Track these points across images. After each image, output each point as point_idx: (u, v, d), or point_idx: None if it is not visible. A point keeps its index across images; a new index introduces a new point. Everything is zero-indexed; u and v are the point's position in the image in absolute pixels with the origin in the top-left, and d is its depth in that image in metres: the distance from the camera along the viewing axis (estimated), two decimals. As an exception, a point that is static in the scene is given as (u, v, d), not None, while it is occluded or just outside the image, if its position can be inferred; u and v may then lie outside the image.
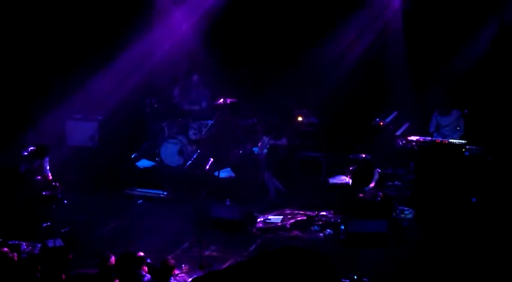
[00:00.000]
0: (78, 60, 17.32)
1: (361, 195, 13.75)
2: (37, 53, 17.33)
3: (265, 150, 15.40)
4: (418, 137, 14.32)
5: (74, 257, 11.36)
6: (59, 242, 12.33)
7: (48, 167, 14.06)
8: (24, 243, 11.79)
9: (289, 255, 5.67)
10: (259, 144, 15.53)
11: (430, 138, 14.40)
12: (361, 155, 14.15)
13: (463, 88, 15.42)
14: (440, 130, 14.81)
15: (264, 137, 15.48)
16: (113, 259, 9.81)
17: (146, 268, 9.89)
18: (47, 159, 14.02)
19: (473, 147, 14.10)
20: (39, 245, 11.93)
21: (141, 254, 10.01)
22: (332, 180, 14.79)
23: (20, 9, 17.18)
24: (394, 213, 13.53)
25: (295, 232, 13.73)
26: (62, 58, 17.39)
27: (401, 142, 14.40)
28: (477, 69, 15.52)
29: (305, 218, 14.36)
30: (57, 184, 13.59)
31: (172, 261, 10.16)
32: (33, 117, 17.01)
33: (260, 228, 13.85)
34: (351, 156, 14.16)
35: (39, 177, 13.85)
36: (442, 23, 15.60)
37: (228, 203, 14.57)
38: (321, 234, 13.51)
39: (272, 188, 15.19)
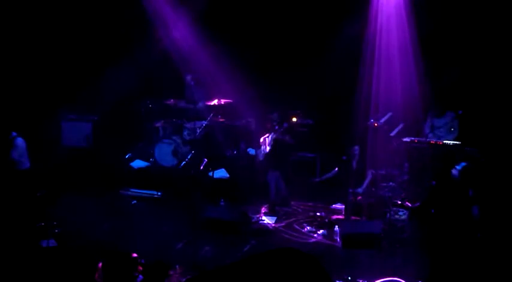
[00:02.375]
0: (73, 61, 17.33)
1: (351, 198, 13.74)
2: (33, 54, 17.32)
3: (269, 148, 15.09)
4: (412, 138, 14.33)
5: (67, 257, 11.36)
6: (52, 243, 12.35)
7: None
8: None
9: (282, 257, 5.66)
10: (265, 141, 15.23)
11: (424, 139, 14.42)
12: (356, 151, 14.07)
13: (457, 89, 15.42)
14: (435, 131, 14.83)
15: (268, 135, 15.17)
16: (100, 265, 9.79)
17: (141, 268, 9.87)
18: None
19: (468, 149, 14.12)
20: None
21: (135, 254, 9.99)
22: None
23: (18, 11, 17.16)
24: (388, 214, 13.54)
25: (289, 233, 13.73)
26: (57, 59, 17.39)
27: (396, 143, 14.41)
28: (471, 70, 15.53)
29: (299, 218, 14.39)
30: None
31: (166, 262, 10.14)
32: (29, 117, 16.99)
33: (254, 229, 13.85)
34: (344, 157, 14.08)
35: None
36: (438, 24, 15.60)
37: (222, 203, 14.59)
38: (315, 235, 13.52)
39: (273, 188, 15.05)
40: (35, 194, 13.44)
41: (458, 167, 12.75)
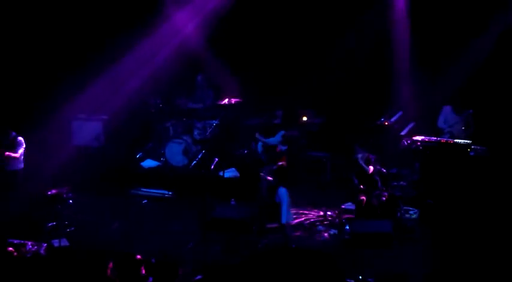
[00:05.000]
0: (83, 60, 17.35)
1: (362, 197, 13.70)
2: (43, 53, 17.35)
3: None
4: (423, 137, 14.30)
5: (78, 256, 11.38)
6: (64, 242, 12.38)
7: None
8: (29, 243, 11.77)
9: (293, 255, 5.67)
10: (261, 146, 15.29)
11: (435, 138, 14.37)
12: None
13: (468, 88, 15.37)
14: (449, 128, 14.75)
15: (261, 139, 15.19)
16: (110, 264, 9.77)
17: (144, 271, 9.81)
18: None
19: (479, 147, 14.07)
20: (45, 245, 11.93)
21: (139, 256, 9.92)
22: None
23: (26, 10, 17.19)
24: (398, 214, 13.50)
25: (300, 232, 13.72)
26: (67, 58, 17.42)
27: (406, 142, 14.37)
28: (482, 69, 15.48)
29: (310, 217, 14.37)
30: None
31: (176, 262, 10.12)
32: (39, 117, 17.04)
33: (266, 228, 13.82)
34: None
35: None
36: (448, 23, 15.56)
37: (232, 203, 14.57)
38: (325, 234, 13.50)
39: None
40: (45, 193, 13.45)
41: (274, 167, 12.85)
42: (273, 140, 15.00)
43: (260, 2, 16.91)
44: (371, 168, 13.96)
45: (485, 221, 13.14)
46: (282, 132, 14.95)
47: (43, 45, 17.38)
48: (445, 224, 13.30)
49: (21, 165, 13.79)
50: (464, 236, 12.75)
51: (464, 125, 14.70)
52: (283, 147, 14.91)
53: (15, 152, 13.58)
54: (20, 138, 13.75)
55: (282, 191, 12.81)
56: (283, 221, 12.87)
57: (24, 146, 13.77)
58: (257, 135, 15.23)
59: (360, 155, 14.05)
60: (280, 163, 12.78)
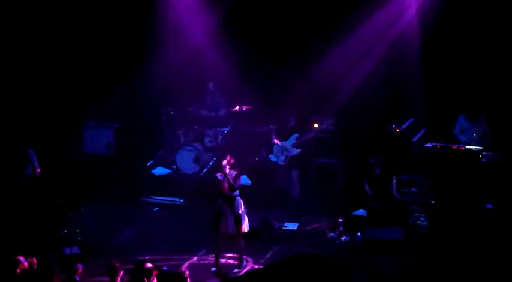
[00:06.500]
0: (95, 69, 17.38)
1: (373, 204, 13.67)
2: (55, 62, 17.40)
3: (286, 154, 15.12)
4: (434, 143, 14.25)
5: (90, 264, 11.39)
6: (75, 250, 12.40)
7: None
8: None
9: (305, 263, 5.66)
10: (276, 149, 15.34)
11: (446, 144, 14.31)
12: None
13: (478, 94, 15.31)
14: (465, 137, 14.66)
15: (277, 142, 15.25)
16: (121, 272, 9.77)
17: (155, 280, 9.81)
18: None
19: (490, 154, 14.01)
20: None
21: (150, 265, 9.91)
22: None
23: (39, 20, 17.24)
24: (410, 220, 13.47)
25: (312, 239, 13.70)
26: (79, 66, 17.46)
27: (418, 148, 14.34)
28: (493, 73, 15.42)
29: (321, 224, 14.35)
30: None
31: (186, 271, 10.08)
32: (51, 124, 17.08)
33: (276, 235, 13.82)
34: None
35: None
36: (458, 29, 15.52)
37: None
38: (337, 242, 13.48)
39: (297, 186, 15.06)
40: (57, 201, 13.50)
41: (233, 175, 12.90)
42: (287, 143, 15.03)
43: (272, 9, 16.91)
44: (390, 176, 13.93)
45: (497, 227, 13.09)
46: (296, 135, 15.00)
47: (57, 53, 17.42)
48: (456, 230, 13.25)
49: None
50: (476, 241, 12.71)
51: (478, 131, 14.61)
52: (296, 151, 14.92)
53: (35, 166, 14.02)
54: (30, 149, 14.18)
55: (239, 202, 12.69)
56: (246, 229, 12.66)
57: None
58: (273, 139, 15.25)
59: (373, 160, 14.02)
60: (236, 172, 12.69)
